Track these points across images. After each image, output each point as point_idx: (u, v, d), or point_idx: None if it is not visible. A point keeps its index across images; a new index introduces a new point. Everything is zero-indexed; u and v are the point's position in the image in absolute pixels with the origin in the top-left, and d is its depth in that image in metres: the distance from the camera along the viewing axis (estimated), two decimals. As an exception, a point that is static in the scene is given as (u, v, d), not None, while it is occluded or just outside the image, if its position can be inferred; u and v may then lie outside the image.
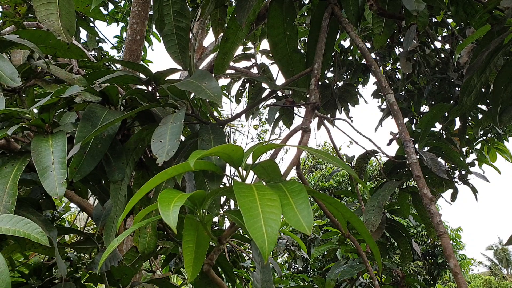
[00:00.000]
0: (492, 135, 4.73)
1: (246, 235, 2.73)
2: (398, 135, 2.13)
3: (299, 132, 1.36)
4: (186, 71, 1.67)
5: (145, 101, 1.51)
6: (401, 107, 4.68)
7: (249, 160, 1.00)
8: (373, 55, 5.02)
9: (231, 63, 3.22)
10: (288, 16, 1.86)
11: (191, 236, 0.99)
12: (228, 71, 2.29)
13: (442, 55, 4.58)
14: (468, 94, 2.01)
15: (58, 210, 2.86)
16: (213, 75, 1.39)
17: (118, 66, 3.82)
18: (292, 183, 0.91)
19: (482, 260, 37.89)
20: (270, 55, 3.64)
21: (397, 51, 4.95)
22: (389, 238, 3.13)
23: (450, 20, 4.28)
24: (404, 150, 1.29)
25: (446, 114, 3.53)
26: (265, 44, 17.26)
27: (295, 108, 2.70)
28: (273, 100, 3.01)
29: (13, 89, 1.50)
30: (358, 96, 4.87)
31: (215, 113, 4.20)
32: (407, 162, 1.25)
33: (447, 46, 4.53)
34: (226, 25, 2.11)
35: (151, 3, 3.97)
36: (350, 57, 5.29)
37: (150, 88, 1.58)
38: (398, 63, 5.00)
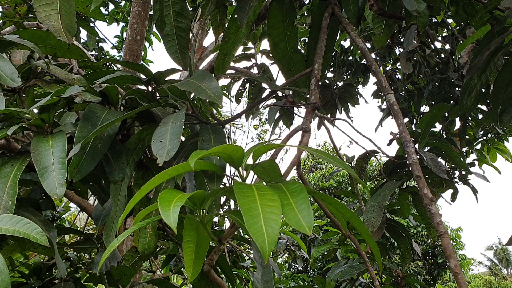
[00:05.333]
0: (492, 135, 4.73)
1: (246, 236, 2.72)
2: (398, 135, 2.13)
3: (299, 132, 1.36)
4: (186, 71, 1.67)
5: (145, 101, 1.51)
6: (401, 107, 4.68)
7: (249, 160, 1.00)
8: (373, 55, 5.02)
9: (232, 63, 3.22)
10: (288, 16, 1.86)
11: (191, 236, 0.99)
12: (228, 71, 2.29)
13: (442, 55, 4.58)
14: (469, 94, 2.01)
15: (58, 210, 2.86)
16: (213, 75, 1.39)
17: (119, 66, 3.82)
18: (293, 183, 0.91)
19: (482, 260, 37.89)
20: (270, 55, 3.63)
21: (397, 51, 4.95)
22: (389, 238, 3.14)
23: (450, 20, 4.28)
24: (404, 150, 1.29)
25: (446, 114, 3.53)
26: (265, 44, 17.26)
27: (295, 108, 2.70)
28: (273, 100, 3.00)
29: (13, 89, 1.50)
30: (358, 96, 4.87)
31: (215, 113, 4.20)
32: (408, 162, 1.25)
33: (447, 46, 4.53)
34: (226, 25, 2.11)
35: (151, 3, 3.97)
36: (350, 57, 5.28)
37: (150, 88, 1.58)
38: (398, 63, 5.00)
